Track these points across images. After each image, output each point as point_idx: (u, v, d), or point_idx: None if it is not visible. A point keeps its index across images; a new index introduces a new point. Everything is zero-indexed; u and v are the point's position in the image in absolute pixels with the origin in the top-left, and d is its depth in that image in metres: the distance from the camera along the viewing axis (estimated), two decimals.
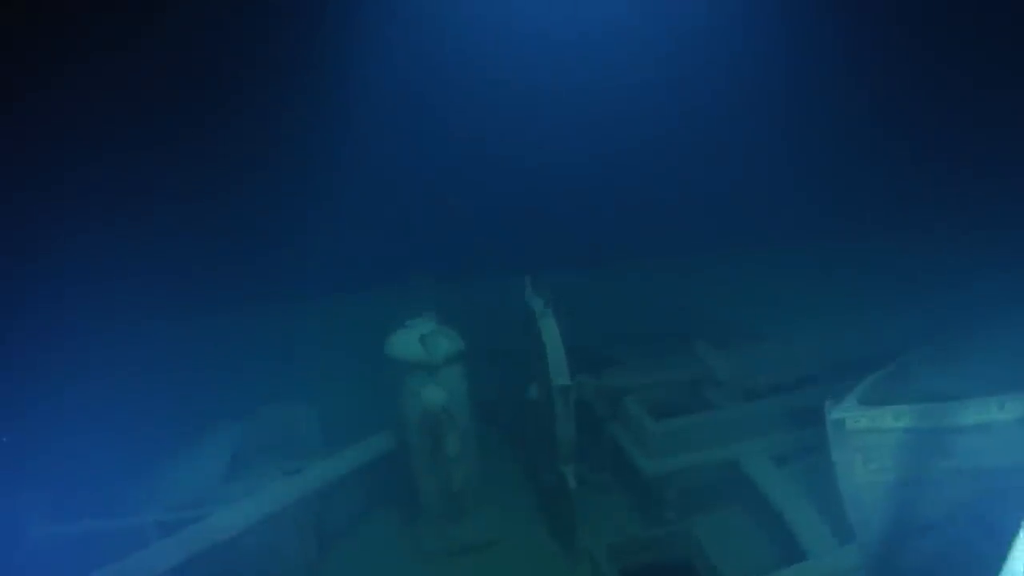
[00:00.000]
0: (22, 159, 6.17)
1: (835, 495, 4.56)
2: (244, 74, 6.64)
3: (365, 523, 5.83)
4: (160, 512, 4.70)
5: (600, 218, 7.45)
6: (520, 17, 6.88)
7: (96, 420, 5.34)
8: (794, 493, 5.28)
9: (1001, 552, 2.28)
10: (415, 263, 7.40)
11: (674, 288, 7.46)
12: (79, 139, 6.30)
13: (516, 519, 5.98)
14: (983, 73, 7.38)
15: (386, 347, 5.64)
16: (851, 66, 7.28)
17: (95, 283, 5.86)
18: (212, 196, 6.60)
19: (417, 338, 5.62)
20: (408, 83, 6.98)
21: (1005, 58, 7.31)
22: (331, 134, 7.03)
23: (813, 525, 4.98)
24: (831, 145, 7.41)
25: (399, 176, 7.17)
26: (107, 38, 6.23)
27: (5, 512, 4.47)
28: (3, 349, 5.34)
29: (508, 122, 7.13)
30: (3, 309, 5.44)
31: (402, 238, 7.34)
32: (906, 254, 7.02)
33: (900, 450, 4.50)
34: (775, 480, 5.43)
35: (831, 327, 6.41)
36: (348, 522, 5.70)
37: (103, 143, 6.37)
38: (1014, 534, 2.29)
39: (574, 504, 5.60)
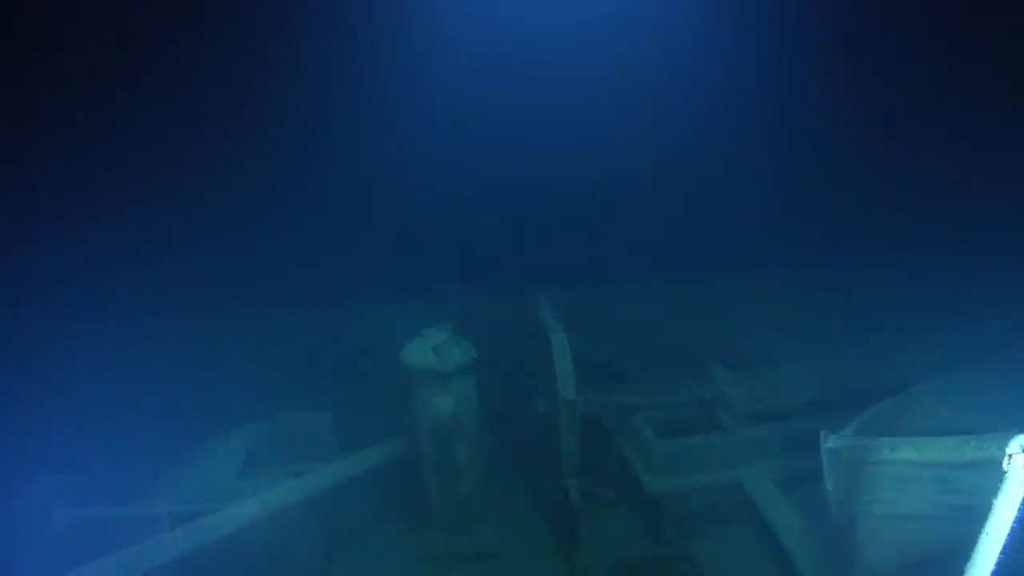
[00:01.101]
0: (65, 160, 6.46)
1: (830, 524, 4.56)
2: (278, 79, 6.85)
3: (373, 528, 5.98)
4: (173, 504, 4.93)
5: (623, 235, 7.50)
6: (538, 36, 7.00)
7: (125, 410, 5.63)
8: (796, 519, 5.28)
9: None
10: (438, 273, 7.60)
11: (694, 308, 7.49)
12: (118, 142, 6.58)
13: (522, 530, 6.08)
14: (999, 101, 7.27)
15: (400, 355, 5.82)
16: (871, 88, 7.25)
17: (133, 276, 6.15)
18: (243, 199, 6.85)
19: (430, 347, 5.80)
20: (432, 96, 7.14)
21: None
22: (358, 143, 7.24)
23: (812, 553, 4.98)
24: (852, 168, 7.35)
25: (423, 186, 7.33)
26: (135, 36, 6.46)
27: (33, 495, 4.76)
28: (41, 336, 5.64)
29: (532, 137, 7.25)
30: (42, 296, 5.72)
31: (426, 248, 7.49)
32: (927, 282, 6.92)
33: (897, 483, 4.47)
34: (778, 505, 5.44)
35: (845, 354, 6.38)
36: (356, 526, 5.86)
37: (142, 143, 6.63)
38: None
39: (576, 519, 5.69)
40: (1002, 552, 2.38)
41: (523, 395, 6.55)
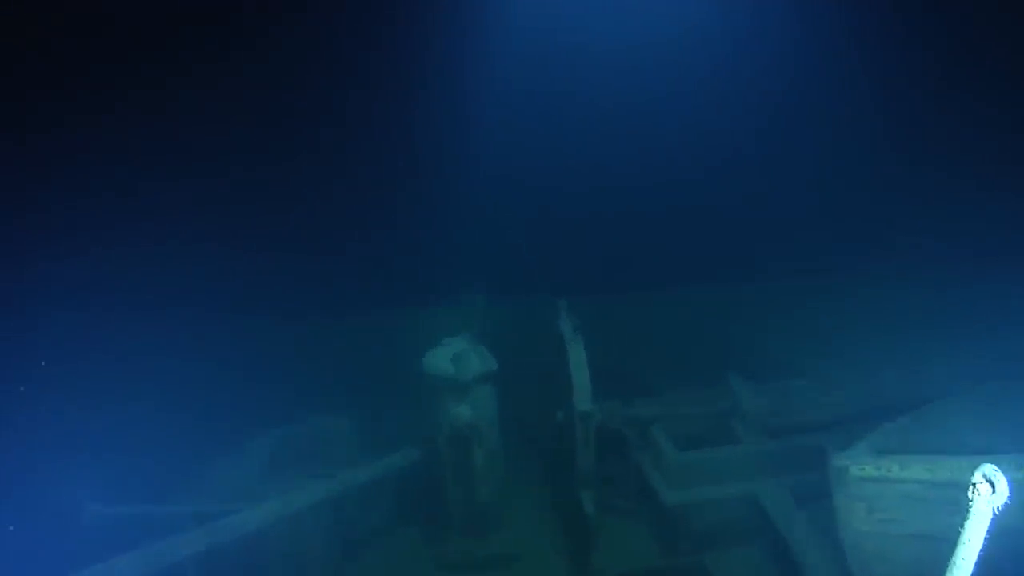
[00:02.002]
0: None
1: (836, 542, 4.53)
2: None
3: (391, 532, 6.09)
4: (197, 504, 5.14)
5: (649, 243, 7.51)
6: (568, 39, 7.08)
7: (156, 412, 5.86)
8: (810, 535, 5.23)
9: None
10: (464, 281, 7.71)
11: (719, 318, 7.45)
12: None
13: (539, 537, 6.14)
14: None
15: (421, 364, 5.95)
16: (909, 93, 7.13)
17: (166, 281, 6.41)
18: (275, 208, 7.08)
19: (450, 356, 5.91)
20: (463, 105, 7.27)
21: None
22: (388, 153, 7.41)
23: (824, 569, 4.94)
24: (885, 178, 7.24)
25: (453, 194, 7.46)
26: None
27: (65, 492, 5.01)
28: (79, 342, 5.93)
29: (557, 145, 7.33)
30: (78, 297, 6.00)
31: (452, 256, 7.62)
32: (958, 294, 6.76)
33: (908, 502, 4.42)
34: (792, 520, 5.40)
35: (869, 367, 6.27)
36: (374, 530, 5.99)
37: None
38: None
39: (590, 528, 5.74)
40: None
41: (544, 403, 6.62)
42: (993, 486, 2.21)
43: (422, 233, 7.54)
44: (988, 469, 2.22)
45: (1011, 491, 2.23)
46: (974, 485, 2.23)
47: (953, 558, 2.38)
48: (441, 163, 7.45)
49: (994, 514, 2.26)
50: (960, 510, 4.50)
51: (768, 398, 6.14)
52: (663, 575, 5.67)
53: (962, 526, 2.31)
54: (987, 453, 4.63)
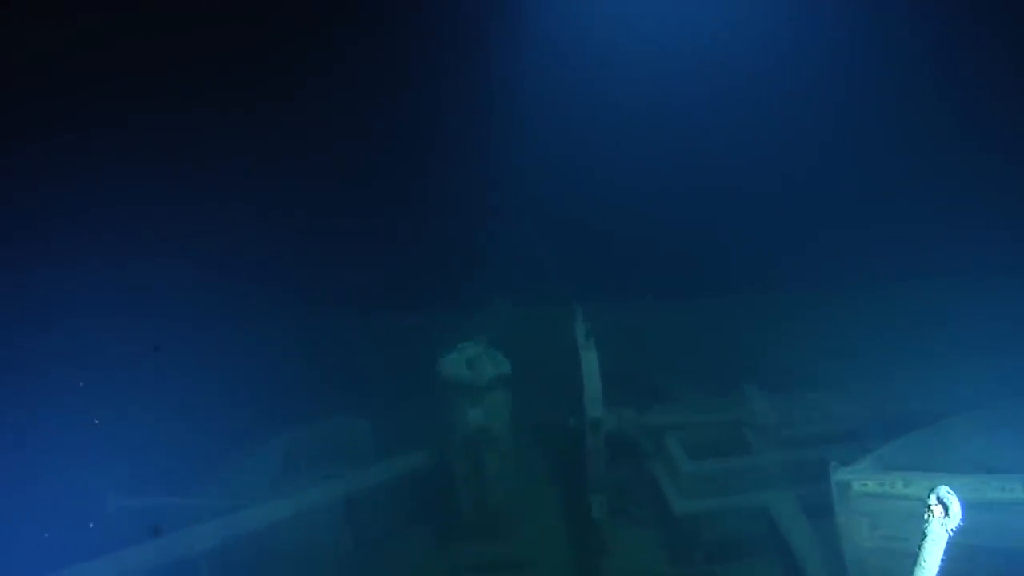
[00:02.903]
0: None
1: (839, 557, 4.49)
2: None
3: (404, 534, 6.16)
4: (215, 499, 5.33)
5: (668, 251, 7.50)
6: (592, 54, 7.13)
7: (180, 408, 6.09)
8: (818, 548, 5.18)
9: None
10: (489, 287, 7.81)
11: (737, 327, 7.40)
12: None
13: (550, 542, 6.17)
14: None
15: (436, 367, 6.05)
16: (934, 103, 7.00)
17: (192, 287, 6.65)
18: (307, 212, 7.27)
19: (464, 360, 6.00)
20: (488, 111, 7.36)
21: None
22: (417, 156, 7.55)
23: None
24: (907, 188, 7.10)
25: (477, 199, 7.56)
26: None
27: (88, 484, 5.25)
28: (109, 339, 6.19)
29: (579, 153, 7.38)
30: (109, 297, 6.27)
31: (478, 261, 7.72)
32: (984, 308, 6.59)
33: (911, 519, 4.33)
34: (803, 533, 5.35)
35: (888, 379, 6.17)
36: (387, 531, 6.09)
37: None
38: None
39: (601, 535, 5.77)
40: None
41: (560, 409, 6.67)
42: (946, 508, 2.20)
43: (447, 237, 7.66)
44: (942, 491, 2.21)
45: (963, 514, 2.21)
46: (929, 507, 2.23)
47: None
48: (467, 168, 7.56)
49: (949, 535, 2.25)
50: (966, 528, 4.45)
51: (782, 409, 6.09)
52: None
53: (918, 547, 2.30)
54: (999, 471, 4.58)
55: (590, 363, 5.76)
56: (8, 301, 5.92)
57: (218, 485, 5.60)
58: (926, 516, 2.25)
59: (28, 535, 4.63)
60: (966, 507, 4.39)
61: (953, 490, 4.33)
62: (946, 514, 2.20)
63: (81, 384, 5.72)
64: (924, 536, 2.27)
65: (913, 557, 4.56)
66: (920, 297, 7.08)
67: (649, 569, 5.83)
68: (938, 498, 2.20)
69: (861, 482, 4.36)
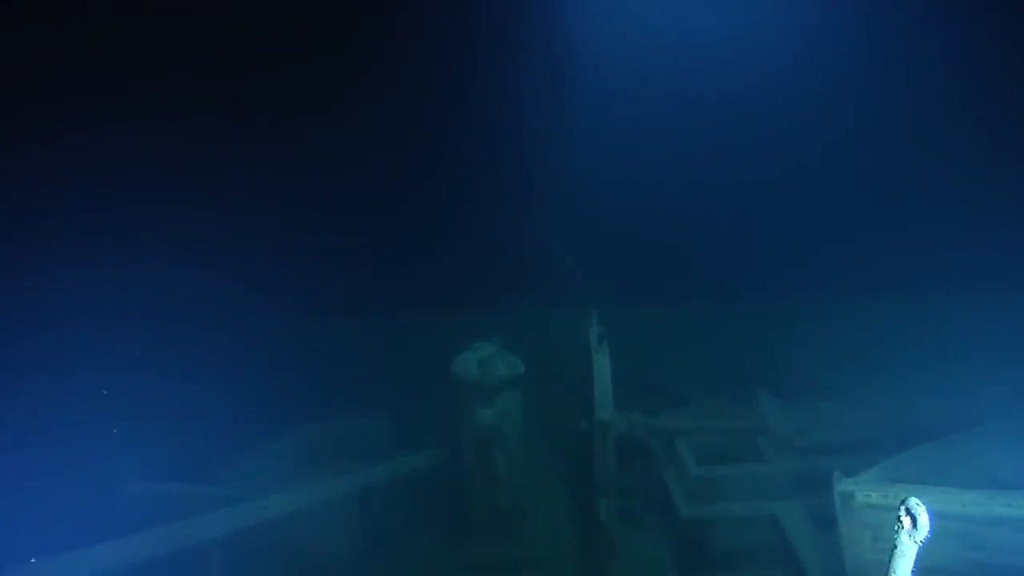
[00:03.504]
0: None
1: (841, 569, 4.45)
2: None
3: (414, 532, 6.24)
4: (231, 488, 5.47)
5: (693, 256, 7.49)
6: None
7: (205, 401, 6.26)
8: (825, 558, 5.13)
9: None
10: (514, 288, 7.87)
11: (756, 334, 7.35)
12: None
13: (560, 543, 6.20)
14: None
15: (450, 367, 6.12)
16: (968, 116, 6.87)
17: (219, 286, 6.82)
18: (331, 212, 7.41)
19: (477, 360, 6.06)
20: (514, 113, 7.42)
21: None
22: (440, 157, 7.64)
23: None
24: (932, 197, 6.98)
25: (499, 201, 7.62)
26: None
27: (109, 469, 5.44)
28: (139, 334, 6.40)
29: (606, 157, 7.39)
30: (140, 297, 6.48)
31: (499, 263, 7.77)
32: (1009, 321, 6.46)
33: None
34: (809, 542, 5.30)
35: (905, 393, 6.08)
36: (398, 529, 6.17)
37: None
38: None
39: (609, 537, 5.78)
40: None
41: (574, 410, 6.69)
42: (915, 520, 2.20)
43: (468, 238, 7.73)
44: (911, 502, 2.20)
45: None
46: (898, 518, 2.22)
47: None
48: (490, 170, 7.62)
49: (918, 547, 2.25)
50: (971, 545, 4.40)
51: (796, 417, 6.05)
52: None
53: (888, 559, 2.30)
54: (1011, 488, 4.49)
55: (602, 366, 5.78)
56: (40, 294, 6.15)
57: (235, 476, 5.73)
58: (896, 527, 2.24)
59: (45, 518, 4.80)
60: (973, 522, 4.36)
61: (960, 505, 4.32)
62: (914, 525, 2.19)
63: (104, 392, 5.92)
64: (894, 547, 2.26)
65: (917, 571, 4.53)
66: (942, 308, 6.95)
67: (655, 573, 5.84)
68: (907, 509, 2.19)
69: (864, 493, 4.32)
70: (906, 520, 2.23)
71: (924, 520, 2.21)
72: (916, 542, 2.24)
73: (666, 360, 7.26)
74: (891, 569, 2.33)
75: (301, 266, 7.08)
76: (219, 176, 6.91)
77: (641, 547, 6.04)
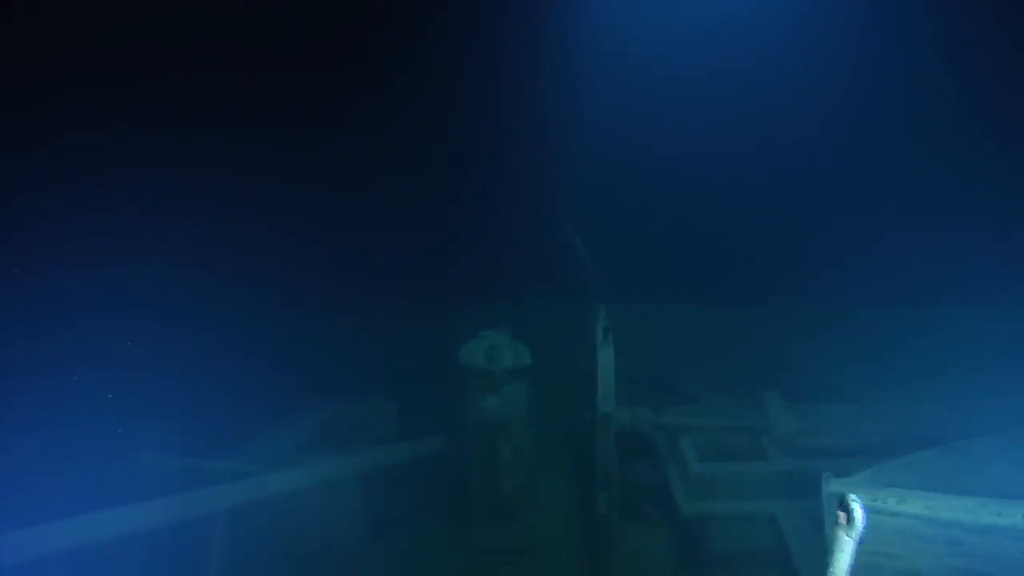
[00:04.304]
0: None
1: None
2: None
3: (418, 517, 6.38)
4: (238, 465, 5.66)
5: (708, 257, 7.47)
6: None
7: (218, 380, 6.46)
8: (821, 560, 5.11)
9: None
10: (531, 282, 7.95)
11: (770, 336, 7.32)
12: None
13: (561, 532, 6.28)
14: None
15: (457, 355, 6.23)
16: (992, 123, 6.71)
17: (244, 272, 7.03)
18: (349, 203, 7.56)
19: (484, 349, 6.16)
20: (530, 107, 7.47)
21: None
22: (457, 151, 7.73)
23: None
24: (954, 210, 6.85)
25: (516, 195, 7.69)
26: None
27: (124, 441, 5.66)
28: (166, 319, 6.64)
29: (623, 156, 7.41)
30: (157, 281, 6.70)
31: (517, 257, 7.85)
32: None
33: (905, 537, 4.26)
34: (806, 543, 5.28)
35: (914, 399, 6.00)
36: (402, 514, 6.31)
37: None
38: None
39: (608, 530, 5.83)
40: None
41: (582, 403, 6.75)
42: (850, 516, 2.22)
43: (487, 233, 7.81)
44: (848, 498, 2.23)
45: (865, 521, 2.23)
46: (836, 514, 2.25)
47: None
48: (508, 165, 7.69)
49: (855, 543, 2.27)
50: (959, 552, 4.34)
51: (803, 420, 6.01)
52: None
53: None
54: (1011, 497, 4.42)
55: (606, 360, 5.82)
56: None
57: (246, 453, 5.91)
58: (834, 523, 2.27)
59: (55, 485, 5.02)
60: (961, 529, 4.31)
61: (949, 511, 4.27)
62: (849, 521, 2.22)
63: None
64: (832, 543, 2.29)
65: (903, 574, 4.50)
66: (953, 317, 6.84)
67: (653, 568, 5.87)
68: (843, 505, 2.22)
69: (853, 495, 4.29)
70: (842, 516, 2.26)
71: (859, 516, 2.23)
72: (851, 537, 2.26)
73: (677, 359, 7.27)
74: (831, 563, 2.36)
75: (316, 257, 7.24)
76: (242, 170, 7.08)
77: (642, 542, 6.08)
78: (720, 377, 7.07)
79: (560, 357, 6.89)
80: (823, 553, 5.11)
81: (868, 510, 4.31)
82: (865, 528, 2.23)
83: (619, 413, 5.86)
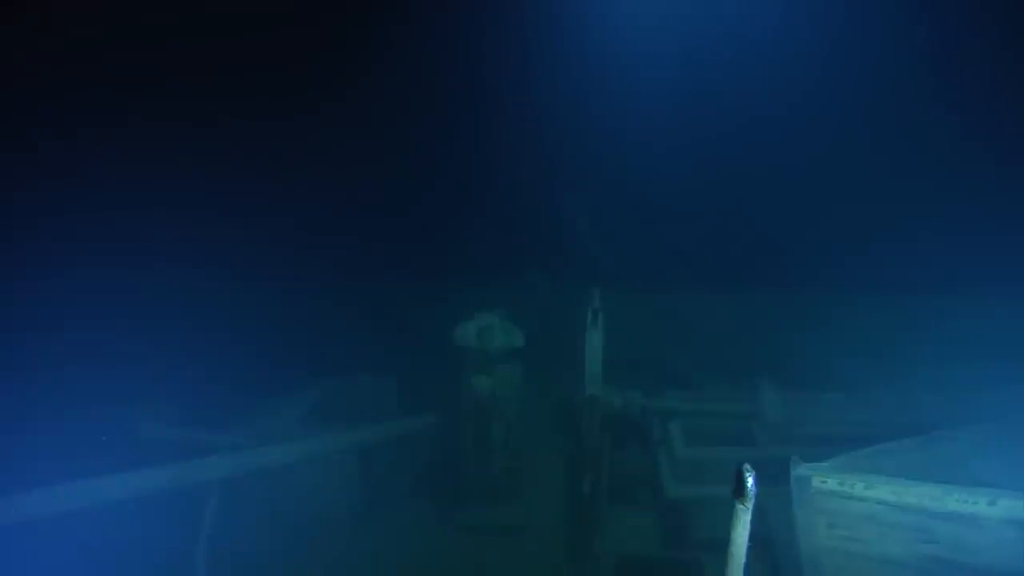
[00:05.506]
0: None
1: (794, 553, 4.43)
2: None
3: (410, 494, 6.51)
4: (236, 438, 5.84)
5: (708, 244, 7.43)
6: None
7: (220, 353, 6.65)
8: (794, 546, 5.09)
9: None
10: (534, 262, 8.00)
11: (769, 323, 7.25)
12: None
13: (551, 511, 6.33)
14: None
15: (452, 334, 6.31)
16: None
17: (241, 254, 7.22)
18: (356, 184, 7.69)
19: (478, 329, 6.23)
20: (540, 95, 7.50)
21: None
22: (469, 133, 7.79)
23: None
24: (952, 197, 6.69)
25: (523, 178, 7.73)
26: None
27: (125, 413, 5.88)
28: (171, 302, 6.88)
29: (623, 142, 7.40)
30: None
31: (522, 239, 7.89)
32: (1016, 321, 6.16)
33: (871, 523, 4.25)
34: (787, 529, 5.25)
35: (908, 388, 5.90)
36: (395, 490, 6.43)
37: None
38: None
39: (592, 510, 5.87)
40: None
41: (575, 384, 6.79)
42: (743, 486, 2.25)
43: (490, 212, 7.87)
44: (743, 468, 2.26)
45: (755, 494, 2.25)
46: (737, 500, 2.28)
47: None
48: (515, 148, 7.72)
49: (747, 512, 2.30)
50: (925, 539, 4.31)
51: (793, 407, 5.96)
52: (657, 564, 5.71)
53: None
54: (987, 486, 4.35)
55: (594, 342, 5.85)
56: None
57: (245, 426, 6.09)
58: (731, 494, 2.31)
59: (54, 451, 5.25)
60: (927, 516, 4.26)
61: (916, 498, 4.23)
62: (742, 492, 2.25)
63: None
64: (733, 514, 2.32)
65: (869, 560, 4.48)
66: (953, 307, 6.70)
67: (638, 549, 5.90)
68: (737, 474, 2.25)
69: (820, 479, 4.28)
70: (738, 487, 2.29)
71: (750, 485, 2.26)
72: (744, 506, 2.29)
73: (674, 344, 7.25)
74: (731, 534, 2.40)
75: (328, 238, 7.40)
76: (245, 152, 7.25)
77: (628, 524, 6.11)
78: (718, 364, 7.03)
79: (555, 339, 6.92)
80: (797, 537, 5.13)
81: (835, 494, 4.35)
82: (755, 496, 2.25)
83: (610, 396, 5.90)
